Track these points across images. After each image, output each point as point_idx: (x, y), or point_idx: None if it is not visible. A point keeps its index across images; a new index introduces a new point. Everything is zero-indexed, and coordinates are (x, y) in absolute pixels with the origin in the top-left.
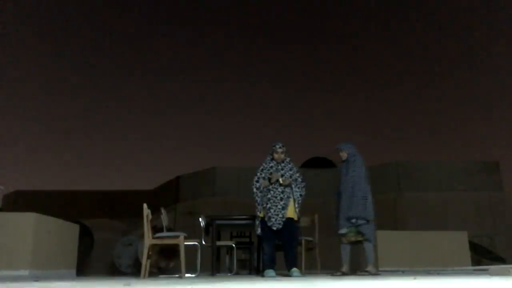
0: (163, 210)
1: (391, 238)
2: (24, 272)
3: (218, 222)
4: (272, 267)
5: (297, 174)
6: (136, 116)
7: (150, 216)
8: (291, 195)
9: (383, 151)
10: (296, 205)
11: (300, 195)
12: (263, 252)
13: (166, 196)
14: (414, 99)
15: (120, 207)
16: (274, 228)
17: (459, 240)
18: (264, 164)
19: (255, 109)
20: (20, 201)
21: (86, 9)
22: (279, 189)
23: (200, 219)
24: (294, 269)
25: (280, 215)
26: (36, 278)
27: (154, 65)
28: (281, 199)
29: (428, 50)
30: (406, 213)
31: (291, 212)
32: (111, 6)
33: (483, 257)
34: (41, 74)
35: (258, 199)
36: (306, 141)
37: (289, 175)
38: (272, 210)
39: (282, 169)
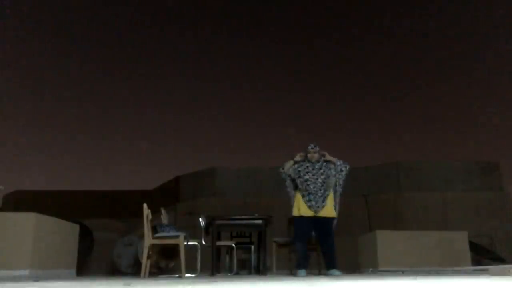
0: (163, 210)
1: (391, 238)
2: (24, 272)
3: (218, 222)
4: (305, 266)
5: (339, 163)
6: (136, 116)
7: (150, 216)
8: (329, 189)
9: (383, 151)
10: (336, 202)
11: (341, 185)
12: (296, 250)
13: (166, 196)
14: (414, 99)
15: (120, 207)
16: (313, 210)
17: (459, 240)
18: (295, 164)
19: (255, 109)
20: (20, 201)
21: (84, 7)
22: (319, 180)
23: (200, 219)
24: (335, 269)
25: (320, 201)
26: (36, 278)
27: (153, 65)
28: (321, 186)
29: (429, 50)
30: (406, 213)
31: (330, 210)
32: (109, 5)
33: (483, 257)
34: (41, 74)
35: (289, 190)
36: (306, 141)
37: (332, 173)
38: (311, 196)
39: (320, 169)
